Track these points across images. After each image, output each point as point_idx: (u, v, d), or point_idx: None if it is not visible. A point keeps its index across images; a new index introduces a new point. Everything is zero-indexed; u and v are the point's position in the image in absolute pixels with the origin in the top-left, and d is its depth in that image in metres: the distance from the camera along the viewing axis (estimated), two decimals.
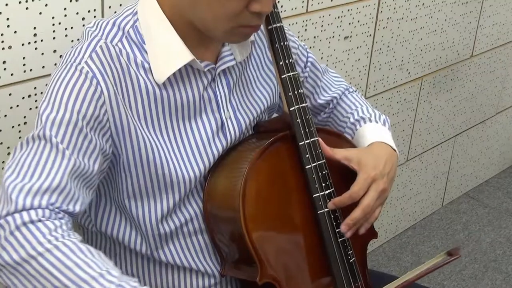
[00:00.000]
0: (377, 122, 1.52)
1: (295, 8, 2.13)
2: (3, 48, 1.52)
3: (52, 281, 1.09)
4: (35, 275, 1.10)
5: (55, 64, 1.61)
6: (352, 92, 1.62)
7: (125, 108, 1.25)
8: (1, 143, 1.60)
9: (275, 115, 1.59)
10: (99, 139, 1.23)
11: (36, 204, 1.14)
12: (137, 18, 1.29)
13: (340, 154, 1.40)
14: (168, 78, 1.28)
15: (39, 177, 1.16)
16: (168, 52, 1.27)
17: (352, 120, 1.53)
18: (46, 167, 1.17)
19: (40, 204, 1.14)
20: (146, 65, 1.27)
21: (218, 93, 1.36)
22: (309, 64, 1.55)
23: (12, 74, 1.56)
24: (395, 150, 1.47)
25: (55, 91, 1.22)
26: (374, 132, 1.49)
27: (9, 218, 1.12)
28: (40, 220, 1.13)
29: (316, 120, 1.62)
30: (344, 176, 1.40)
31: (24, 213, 1.12)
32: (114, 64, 1.24)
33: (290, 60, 1.36)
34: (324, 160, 1.36)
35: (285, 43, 1.36)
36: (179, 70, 1.29)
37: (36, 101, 1.61)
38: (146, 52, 1.27)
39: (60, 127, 1.19)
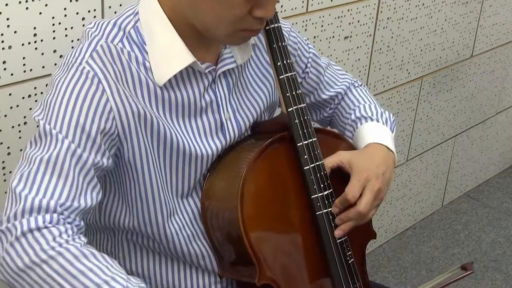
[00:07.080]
0: (378, 121, 1.51)
1: (295, 8, 2.13)
2: (3, 48, 1.52)
3: None
4: (39, 282, 1.10)
5: (55, 64, 1.62)
6: (357, 86, 1.61)
7: (132, 98, 1.24)
8: (1, 143, 1.60)
9: (278, 112, 1.58)
10: (103, 139, 1.22)
11: (44, 206, 1.13)
12: (138, 19, 1.28)
13: (331, 161, 1.39)
14: (169, 80, 1.28)
15: (49, 182, 1.15)
16: (169, 53, 1.27)
17: (353, 117, 1.53)
18: (55, 167, 1.16)
19: (48, 207, 1.14)
20: (147, 64, 1.26)
21: (218, 94, 1.35)
22: (310, 60, 1.54)
23: (12, 74, 1.56)
24: (392, 151, 1.46)
25: (56, 98, 1.20)
26: (372, 133, 1.47)
27: (17, 223, 1.12)
28: (46, 227, 1.12)
29: (322, 116, 1.62)
30: (343, 176, 1.40)
31: (32, 219, 1.12)
32: (115, 63, 1.24)
33: (288, 61, 1.36)
34: (322, 161, 1.36)
35: (283, 43, 1.36)
36: (180, 71, 1.28)
37: (36, 101, 1.61)
38: (147, 53, 1.27)
39: (63, 125, 1.18)
